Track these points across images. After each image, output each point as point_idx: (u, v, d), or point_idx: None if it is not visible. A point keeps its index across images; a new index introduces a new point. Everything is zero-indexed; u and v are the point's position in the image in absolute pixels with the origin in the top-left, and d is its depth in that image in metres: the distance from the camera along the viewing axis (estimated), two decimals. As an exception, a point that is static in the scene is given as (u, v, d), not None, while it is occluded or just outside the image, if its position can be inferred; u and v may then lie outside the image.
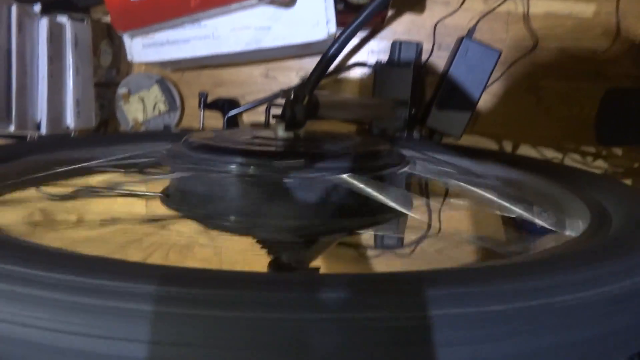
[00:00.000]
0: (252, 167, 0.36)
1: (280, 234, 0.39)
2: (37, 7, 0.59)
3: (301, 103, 0.42)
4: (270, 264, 0.46)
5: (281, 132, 0.44)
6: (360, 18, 0.40)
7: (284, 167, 0.35)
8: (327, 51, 0.42)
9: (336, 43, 0.41)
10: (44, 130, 0.60)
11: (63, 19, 0.62)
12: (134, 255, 0.90)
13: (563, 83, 0.80)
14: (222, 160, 0.36)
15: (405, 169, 0.42)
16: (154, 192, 0.47)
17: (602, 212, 0.36)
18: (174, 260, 0.89)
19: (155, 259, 0.89)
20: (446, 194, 0.78)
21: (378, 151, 0.42)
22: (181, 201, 0.40)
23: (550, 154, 0.81)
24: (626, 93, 0.65)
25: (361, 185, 0.34)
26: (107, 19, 0.78)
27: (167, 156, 0.41)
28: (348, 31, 0.42)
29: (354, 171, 0.36)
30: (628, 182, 0.79)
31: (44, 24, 0.58)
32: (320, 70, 0.42)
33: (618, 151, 0.78)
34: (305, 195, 0.37)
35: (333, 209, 0.38)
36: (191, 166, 0.37)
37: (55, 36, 0.60)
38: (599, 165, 0.80)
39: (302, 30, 0.63)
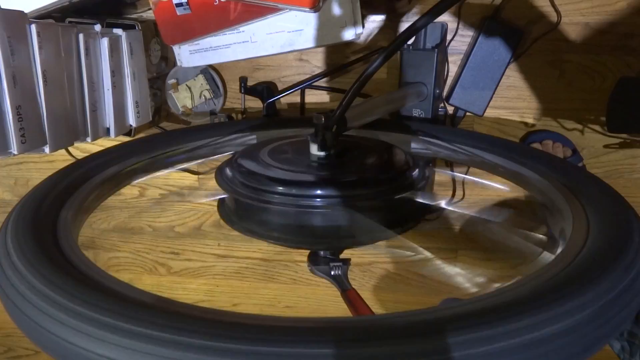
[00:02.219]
0: (294, 197, 0.45)
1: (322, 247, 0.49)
2: (98, 27, 0.66)
3: (330, 130, 0.50)
4: (309, 256, 0.57)
5: (315, 151, 0.52)
6: (375, 63, 0.47)
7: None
8: (351, 87, 0.49)
9: (358, 82, 0.48)
10: (112, 134, 0.70)
11: (118, 31, 0.70)
12: (190, 220, 1.03)
13: (586, 56, 0.82)
14: (271, 192, 0.46)
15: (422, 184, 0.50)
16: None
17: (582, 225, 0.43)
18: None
19: (209, 225, 1.02)
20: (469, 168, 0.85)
21: (401, 172, 0.50)
22: (237, 218, 0.50)
23: (571, 125, 0.85)
24: (638, 82, 0.68)
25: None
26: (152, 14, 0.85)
27: (221, 180, 0.50)
28: (369, 70, 0.48)
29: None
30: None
31: (105, 43, 0.66)
32: (346, 104, 0.49)
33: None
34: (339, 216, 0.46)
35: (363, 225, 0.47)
36: (245, 198, 0.46)
37: (114, 50, 0.68)
38: (618, 135, 0.84)
39: (331, 31, 0.69)
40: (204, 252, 1.07)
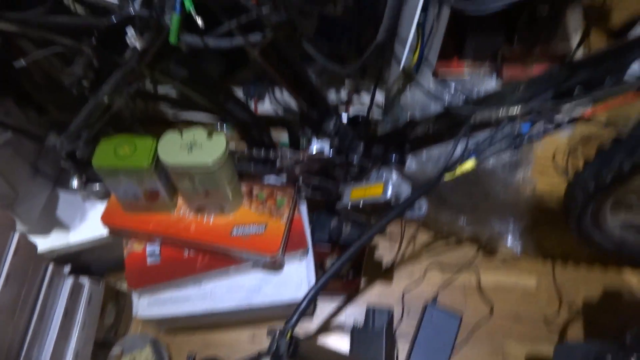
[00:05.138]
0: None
1: None
2: (67, 268, 0.70)
3: (284, 337, 0.50)
4: None
5: (266, 364, 0.50)
6: (324, 279, 0.52)
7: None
8: (302, 299, 0.52)
9: (307, 296, 0.52)
10: (41, 378, 0.63)
11: (84, 279, 0.74)
12: None
13: (523, 345, 0.87)
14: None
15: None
16: None
17: None
18: None
19: None
20: None
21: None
22: None
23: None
24: (572, 347, 0.73)
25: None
26: (119, 284, 0.90)
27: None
28: (318, 285, 0.53)
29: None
30: None
31: (69, 283, 0.69)
32: (298, 314, 0.51)
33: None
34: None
35: None
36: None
37: (75, 294, 0.70)
38: None
39: (287, 290, 0.74)
40: None
